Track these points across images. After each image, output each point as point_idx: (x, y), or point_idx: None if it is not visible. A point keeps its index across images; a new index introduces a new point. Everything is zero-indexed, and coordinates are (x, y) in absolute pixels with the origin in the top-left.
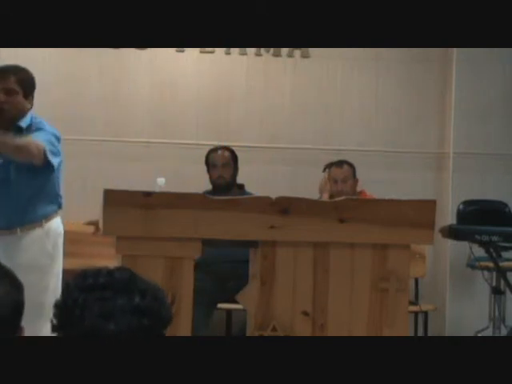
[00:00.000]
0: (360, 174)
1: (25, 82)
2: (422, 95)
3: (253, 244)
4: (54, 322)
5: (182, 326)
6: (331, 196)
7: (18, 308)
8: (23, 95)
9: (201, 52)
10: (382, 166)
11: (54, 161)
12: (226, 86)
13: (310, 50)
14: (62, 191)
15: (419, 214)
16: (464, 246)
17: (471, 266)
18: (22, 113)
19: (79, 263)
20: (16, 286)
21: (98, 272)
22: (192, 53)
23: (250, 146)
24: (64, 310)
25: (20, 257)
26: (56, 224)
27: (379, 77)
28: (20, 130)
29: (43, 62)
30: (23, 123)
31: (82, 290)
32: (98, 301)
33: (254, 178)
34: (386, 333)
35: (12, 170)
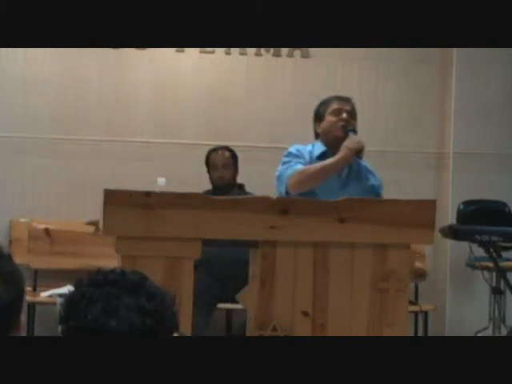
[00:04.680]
0: None
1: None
2: (422, 95)
3: (253, 244)
4: (62, 313)
5: (182, 326)
6: None
7: (4, 309)
8: None
9: (201, 52)
10: (382, 165)
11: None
12: (225, 86)
13: (310, 50)
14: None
15: (419, 214)
16: (464, 245)
17: (471, 265)
18: None
19: (79, 263)
20: (7, 288)
21: (111, 270)
22: (192, 53)
23: (249, 146)
24: (72, 302)
25: None
26: None
27: (379, 77)
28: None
29: (43, 62)
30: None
31: (92, 284)
32: (105, 296)
33: (254, 178)
34: (386, 333)
35: None
